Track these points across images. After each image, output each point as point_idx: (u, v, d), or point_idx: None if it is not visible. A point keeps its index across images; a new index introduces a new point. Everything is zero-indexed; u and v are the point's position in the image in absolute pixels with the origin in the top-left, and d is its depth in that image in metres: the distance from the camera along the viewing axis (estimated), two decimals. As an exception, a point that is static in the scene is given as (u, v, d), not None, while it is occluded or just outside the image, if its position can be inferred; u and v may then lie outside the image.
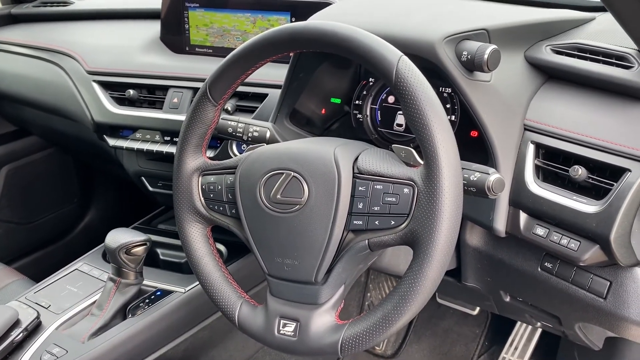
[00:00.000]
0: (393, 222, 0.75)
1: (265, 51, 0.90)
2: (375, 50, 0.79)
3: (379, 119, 1.15)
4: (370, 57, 0.80)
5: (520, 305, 1.15)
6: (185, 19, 1.49)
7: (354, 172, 0.84)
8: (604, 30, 1.12)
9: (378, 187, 0.82)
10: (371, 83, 1.16)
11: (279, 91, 1.12)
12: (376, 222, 0.77)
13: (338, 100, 1.19)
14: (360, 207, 0.77)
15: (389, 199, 0.80)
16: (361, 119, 1.17)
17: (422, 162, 0.82)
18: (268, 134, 1.09)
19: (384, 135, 1.15)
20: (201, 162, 0.98)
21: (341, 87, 1.12)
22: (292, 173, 0.86)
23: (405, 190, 0.80)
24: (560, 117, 0.97)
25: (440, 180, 0.76)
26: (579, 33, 1.11)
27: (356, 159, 0.86)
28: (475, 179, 0.82)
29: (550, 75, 1.06)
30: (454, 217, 0.76)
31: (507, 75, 0.98)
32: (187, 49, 1.50)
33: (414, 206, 0.77)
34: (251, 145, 1.02)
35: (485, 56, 0.90)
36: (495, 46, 0.90)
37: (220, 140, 1.33)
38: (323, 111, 1.22)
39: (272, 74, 1.23)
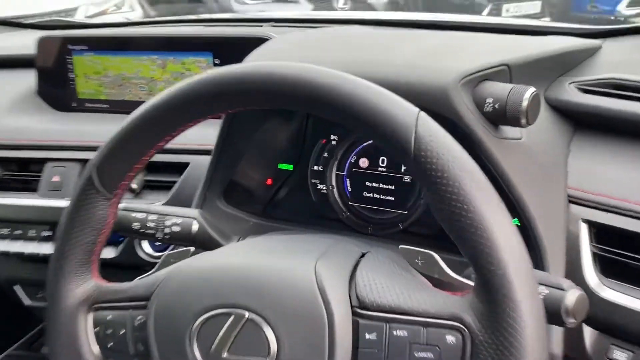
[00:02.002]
0: None
1: (189, 112, 0.56)
2: (382, 108, 0.48)
3: (349, 189, 0.83)
4: (371, 117, 0.48)
5: None
6: (70, 66, 1.10)
7: (353, 307, 0.51)
8: (624, 61, 0.87)
9: (399, 333, 0.48)
10: (334, 142, 0.84)
11: (205, 159, 0.84)
12: None
13: (289, 167, 0.87)
14: None
15: (421, 355, 0.47)
16: (324, 191, 0.84)
17: (466, 281, 0.50)
18: (195, 228, 0.74)
19: (358, 212, 0.83)
20: (91, 288, 0.62)
21: (293, 148, 0.88)
22: (247, 313, 0.51)
23: (450, 339, 0.47)
24: (611, 182, 0.69)
25: (517, 320, 0.44)
26: (598, 65, 0.85)
27: (352, 278, 0.52)
28: (544, 297, 0.51)
29: (577, 122, 0.78)
30: None
31: (535, 129, 0.69)
32: (73, 105, 1.11)
33: None
34: (170, 252, 0.66)
35: (525, 103, 0.60)
36: (534, 89, 0.61)
37: (124, 232, 0.95)
38: (269, 182, 0.88)
39: (195, 135, 0.87)
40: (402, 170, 0.82)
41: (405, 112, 0.48)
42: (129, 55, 1.10)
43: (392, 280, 0.52)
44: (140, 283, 0.60)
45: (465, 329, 0.47)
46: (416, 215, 0.80)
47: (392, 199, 0.82)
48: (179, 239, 0.75)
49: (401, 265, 0.57)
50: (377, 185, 0.83)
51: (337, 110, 0.49)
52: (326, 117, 0.51)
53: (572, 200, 0.70)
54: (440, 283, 0.56)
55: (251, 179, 0.89)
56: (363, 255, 0.58)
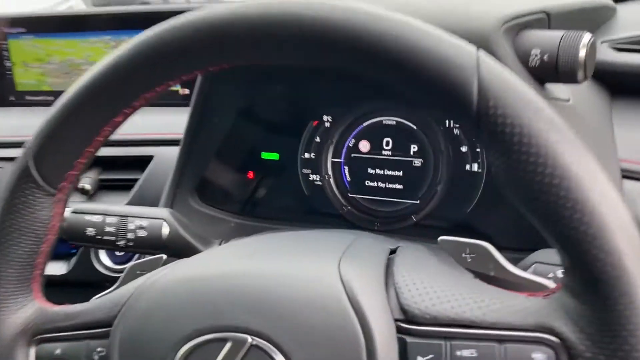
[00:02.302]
0: None
1: (162, 67, 0.41)
2: (426, 45, 0.35)
3: (348, 179, 0.70)
4: (414, 58, 0.35)
5: None
6: (5, 53, 0.94)
7: (397, 321, 0.37)
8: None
9: (465, 353, 0.35)
10: (328, 123, 0.71)
11: (173, 151, 0.71)
12: None
13: (275, 156, 0.73)
14: None
15: (500, 382, 0.34)
16: (319, 183, 0.71)
17: (538, 279, 0.37)
18: (165, 231, 0.60)
19: (361, 205, 0.70)
20: (33, 312, 0.47)
21: (278, 133, 0.76)
22: (249, 338, 0.37)
23: (539, 357, 0.34)
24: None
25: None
26: (621, 25, 0.75)
27: (388, 282, 0.39)
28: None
29: (613, 87, 0.67)
30: None
31: (578, 91, 0.57)
32: (11, 98, 0.94)
33: None
34: (136, 263, 0.52)
35: (582, 52, 0.48)
36: (590, 34, 0.49)
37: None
38: (250, 175, 0.74)
39: (159, 122, 0.72)
40: (412, 152, 0.69)
41: (460, 50, 0.35)
42: (76, 38, 0.94)
43: (444, 282, 0.38)
44: (98, 304, 0.45)
45: (560, 342, 0.34)
46: (432, 205, 0.68)
47: (401, 187, 0.70)
48: (146, 246, 0.60)
49: (446, 262, 0.43)
50: (381, 172, 0.70)
51: (365, 52, 0.36)
52: (349, 65, 0.37)
53: (626, 174, 0.58)
54: (497, 283, 0.43)
55: (229, 172, 0.75)
56: (393, 251, 0.44)
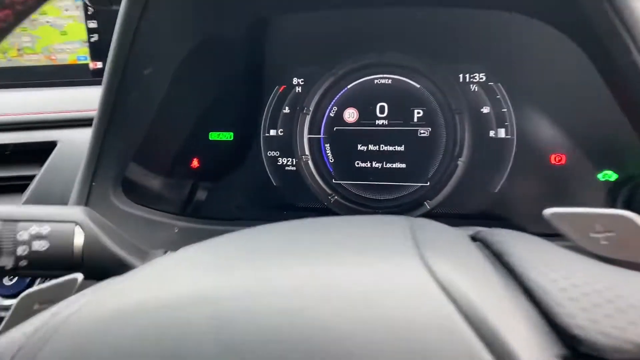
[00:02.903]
0: None
1: None
2: None
3: (331, 160, 0.52)
4: None
5: None
6: None
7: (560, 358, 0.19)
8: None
9: None
10: (299, 88, 0.53)
11: (83, 134, 0.54)
12: None
13: (227, 135, 0.54)
14: None
15: None
16: (291, 167, 0.52)
17: None
18: (79, 239, 0.39)
19: (351, 194, 0.52)
20: None
21: (231, 104, 0.57)
22: None
23: None
24: None
25: None
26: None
27: (511, 284, 0.21)
28: None
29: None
30: None
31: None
32: None
33: None
34: (33, 291, 0.31)
35: None
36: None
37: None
38: (195, 163, 0.55)
39: (61, 97, 0.52)
40: (415, 119, 0.52)
41: None
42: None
43: (603, 283, 0.21)
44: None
45: None
46: (450, 186, 0.50)
47: (404, 166, 0.52)
48: (48, 264, 0.40)
49: (570, 250, 0.26)
50: (376, 148, 0.53)
51: None
52: None
53: None
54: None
55: (165, 159, 0.54)
56: (475, 240, 0.27)
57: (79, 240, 0.40)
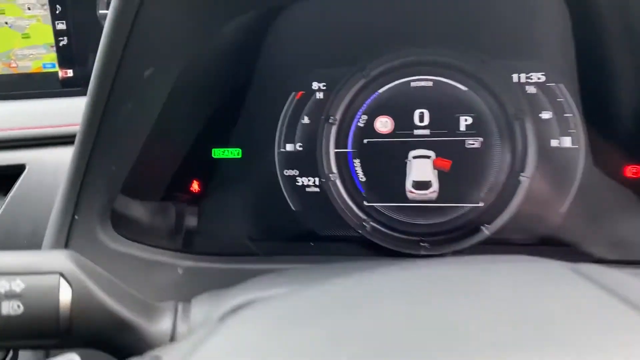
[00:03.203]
0: None
1: None
2: None
3: (362, 179, 0.43)
4: None
5: None
6: None
7: None
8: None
9: None
10: (321, 93, 0.44)
11: (55, 154, 0.46)
12: None
13: (234, 153, 0.44)
14: None
15: None
16: (314, 189, 0.43)
17: None
18: (66, 295, 0.29)
19: (389, 219, 0.43)
20: None
21: (238, 115, 0.48)
22: None
23: None
24: None
25: None
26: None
27: None
28: None
29: None
30: None
31: None
32: None
33: None
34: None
35: None
36: None
37: None
38: (195, 187, 0.45)
39: (30, 111, 0.41)
40: (462, 127, 0.43)
41: None
42: None
43: None
44: None
45: None
46: (512, 207, 0.42)
47: (455, 185, 0.44)
48: (24, 332, 0.29)
49: None
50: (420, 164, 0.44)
51: None
52: None
53: None
54: None
55: (161, 184, 0.45)
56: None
57: (65, 297, 0.30)
